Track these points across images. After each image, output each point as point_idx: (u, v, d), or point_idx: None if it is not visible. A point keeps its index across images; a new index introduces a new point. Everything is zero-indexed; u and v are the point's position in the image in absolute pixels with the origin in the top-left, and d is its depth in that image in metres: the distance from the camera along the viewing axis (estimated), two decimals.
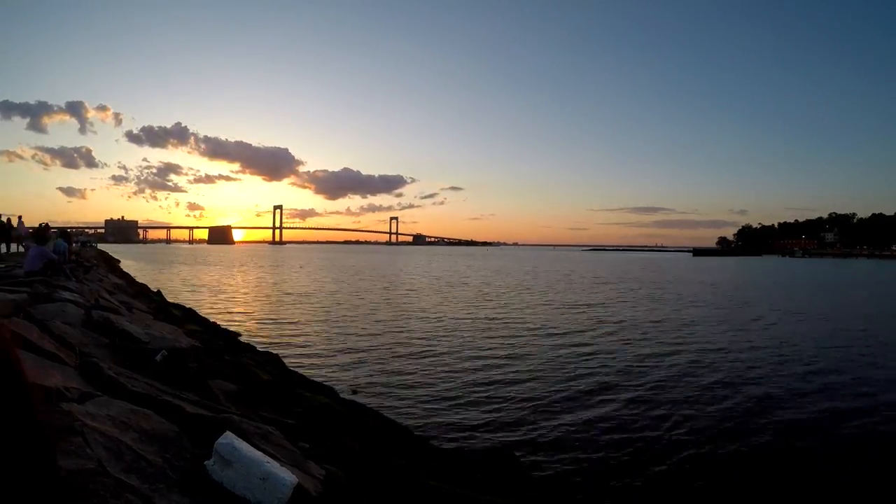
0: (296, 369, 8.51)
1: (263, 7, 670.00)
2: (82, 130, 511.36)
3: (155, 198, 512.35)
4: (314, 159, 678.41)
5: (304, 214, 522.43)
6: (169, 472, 2.18)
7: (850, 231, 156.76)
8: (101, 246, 74.76)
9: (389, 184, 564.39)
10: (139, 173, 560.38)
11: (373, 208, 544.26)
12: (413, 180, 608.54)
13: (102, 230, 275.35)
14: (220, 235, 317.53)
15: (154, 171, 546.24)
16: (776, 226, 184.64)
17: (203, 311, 15.56)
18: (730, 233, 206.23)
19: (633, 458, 5.72)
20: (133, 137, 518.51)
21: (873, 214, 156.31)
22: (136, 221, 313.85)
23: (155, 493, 1.96)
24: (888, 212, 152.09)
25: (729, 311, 19.07)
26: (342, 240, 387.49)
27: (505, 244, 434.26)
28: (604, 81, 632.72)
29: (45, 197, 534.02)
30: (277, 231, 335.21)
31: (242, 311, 17.90)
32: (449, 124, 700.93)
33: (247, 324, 14.69)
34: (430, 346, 11.76)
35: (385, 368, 9.48)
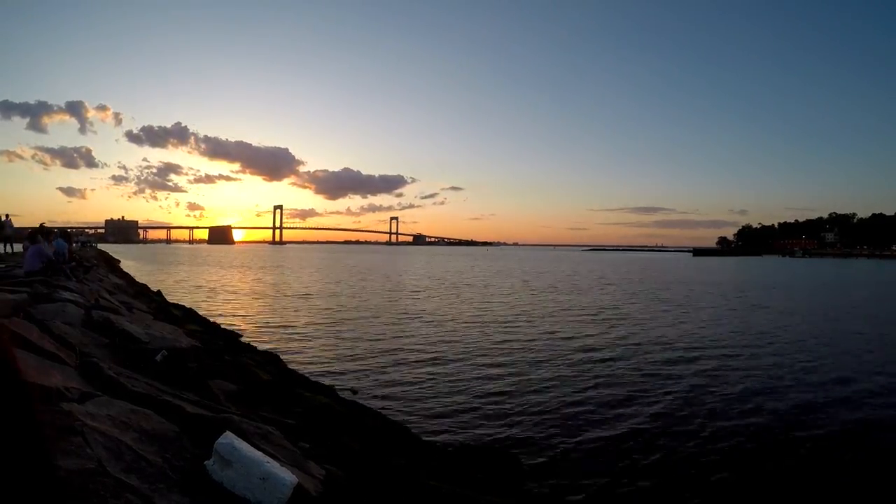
0: (296, 369, 8.51)
1: (263, 7, 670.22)
2: (82, 130, 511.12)
3: (155, 198, 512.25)
4: (314, 159, 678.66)
5: (305, 214, 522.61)
6: (169, 472, 2.18)
7: (851, 231, 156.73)
8: (101, 246, 74.79)
9: (390, 184, 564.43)
10: (139, 173, 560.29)
11: (373, 208, 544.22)
12: (413, 180, 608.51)
13: (102, 230, 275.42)
14: (220, 235, 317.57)
15: (154, 171, 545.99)
16: (776, 226, 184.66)
17: (203, 312, 15.57)
18: (730, 233, 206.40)
19: (635, 458, 5.72)
20: (133, 137, 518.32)
21: (873, 214, 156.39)
22: (136, 221, 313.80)
23: (155, 493, 1.96)
24: (888, 212, 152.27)
25: (734, 313, 18.99)
26: (342, 240, 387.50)
27: (505, 244, 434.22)
28: (604, 81, 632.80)
29: (45, 197, 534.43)
30: (277, 231, 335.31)
31: (242, 311, 17.90)
32: (449, 124, 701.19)
33: (247, 324, 14.69)
34: (430, 346, 11.76)
35: (385, 368, 9.48)
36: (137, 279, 24.99)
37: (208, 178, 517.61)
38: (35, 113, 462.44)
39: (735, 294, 25.95)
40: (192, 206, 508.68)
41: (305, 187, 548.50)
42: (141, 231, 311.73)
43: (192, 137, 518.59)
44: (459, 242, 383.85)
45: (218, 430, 2.48)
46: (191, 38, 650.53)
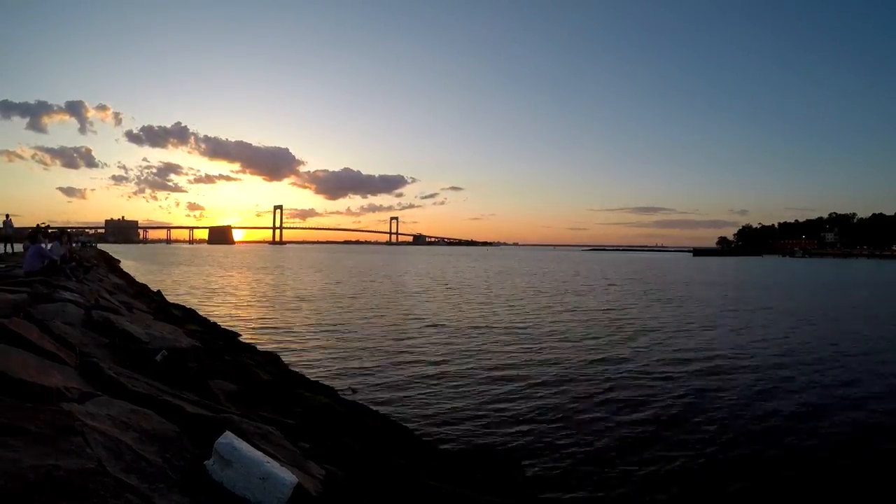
0: (296, 369, 8.51)
1: (263, 7, 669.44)
2: (82, 130, 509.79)
3: (155, 198, 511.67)
4: (314, 159, 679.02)
5: (305, 214, 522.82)
6: (169, 472, 2.18)
7: (851, 231, 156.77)
8: (101, 246, 74.91)
9: (390, 184, 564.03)
10: (139, 173, 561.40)
11: (373, 208, 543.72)
12: (413, 180, 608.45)
13: (102, 230, 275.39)
14: (220, 235, 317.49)
15: (154, 170, 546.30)
16: (776, 226, 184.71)
17: (203, 312, 15.57)
18: (730, 233, 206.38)
19: (637, 460, 5.71)
20: (133, 137, 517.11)
21: (873, 214, 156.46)
22: (137, 221, 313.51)
23: (155, 493, 1.96)
24: (888, 212, 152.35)
25: (741, 314, 18.86)
26: (342, 240, 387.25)
27: (505, 244, 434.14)
28: (604, 81, 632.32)
29: (45, 197, 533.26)
30: (277, 231, 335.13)
31: (242, 311, 17.91)
32: (449, 124, 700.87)
33: (247, 324, 14.69)
34: (431, 346, 11.77)
35: (386, 368, 9.48)
36: (137, 279, 25.00)
37: (208, 178, 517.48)
38: (35, 113, 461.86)
39: (739, 295, 25.86)
40: (192, 206, 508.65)
41: (305, 187, 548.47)
42: (141, 231, 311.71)
43: (192, 137, 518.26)
44: (459, 242, 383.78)
45: (218, 430, 2.48)
46: (191, 38, 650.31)
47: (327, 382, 7.80)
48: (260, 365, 7.20)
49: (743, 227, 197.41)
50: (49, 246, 10.71)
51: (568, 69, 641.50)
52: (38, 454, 1.85)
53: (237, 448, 2.25)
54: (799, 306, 20.92)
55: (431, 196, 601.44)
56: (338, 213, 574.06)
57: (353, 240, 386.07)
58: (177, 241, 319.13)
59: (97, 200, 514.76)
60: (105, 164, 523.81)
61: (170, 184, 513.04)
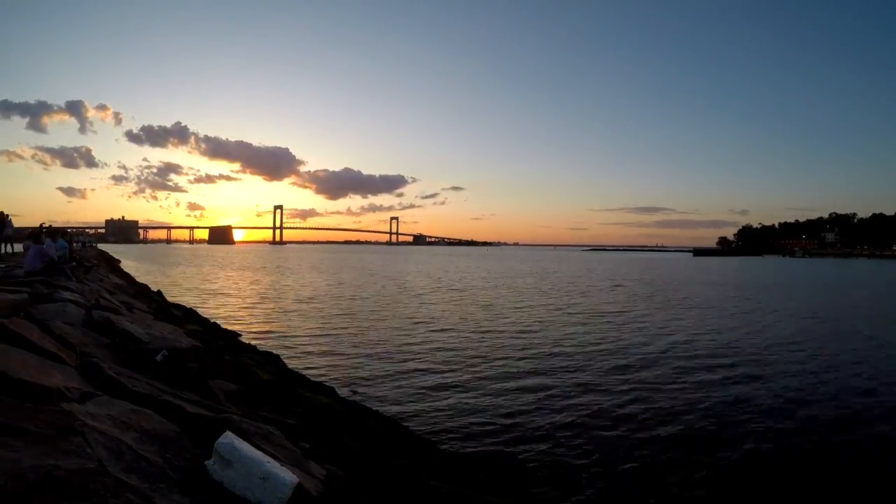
0: (296, 369, 8.51)
1: (263, 7, 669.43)
2: (82, 130, 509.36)
3: (155, 198, 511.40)
4: (315, 159, 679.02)
5: (305, 214, 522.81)
6: (169, 472, 2.18)
7: (851, 231, 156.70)
8: (101, 246, 74.91)
9: (390, 184, 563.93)
10: (139, 173, 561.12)
11: (373, 208, 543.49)
12: (414, 180, 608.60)
13: (103, 230, 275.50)
14: (220, 235, 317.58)
15: (154, 170, 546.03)
16: (776, 226, 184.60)
17: (203, 312, 15.57)
18: (730, 233, 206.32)
19: (637, 462, 5.71)
20: (133, 137, 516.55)
21: (874, 214, 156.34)
22: (137, 221, 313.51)
23: (155, 493, 1.96)
24: (888, 212, 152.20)
25: (748, 316, 18.72)
26: (342, 240, 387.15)
27: (505, 244, 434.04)
28: (604, 81, 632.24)
29: (45, 197, 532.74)
30: (278, 231, 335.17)
31: (243, 311, 17.91)
32: (449, 124, 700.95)
33: (247, 324, 14.70)
34: (432, 346, 11.76)
35: (386, 369, 9.48)
36: (138, 279, 25.01)
37: (208, 178, 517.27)
38: (35, 113, 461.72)
39: (746, 296, 25.56)
40: (193, 206, 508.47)
41: (306, 187, 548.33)
42: (141, 231, 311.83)
43: (193, 137, 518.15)
44: (459, 242, 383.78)
45: (218, 429, 2.48)
46: (191, 38, 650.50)
47: (328, 382, 7.80)
48: (260, 365, 7.20)
49: (743, 227, 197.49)
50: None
51: (568, 69, 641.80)
52: (38, 454, 1.85)
53: (237, 448, 2.25)
54: (811, 308, 20.45)
55: (432, 196, 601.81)
56: (338, 213, 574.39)
57: (354, 240, 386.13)
58: (177, 241, 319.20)
59: (97, 200, 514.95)
60: (105, 163, 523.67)
61: (170, 184, 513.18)
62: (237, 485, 2.17)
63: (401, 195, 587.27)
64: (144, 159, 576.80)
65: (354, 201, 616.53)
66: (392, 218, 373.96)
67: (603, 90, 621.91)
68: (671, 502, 4.83)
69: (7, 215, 19.72)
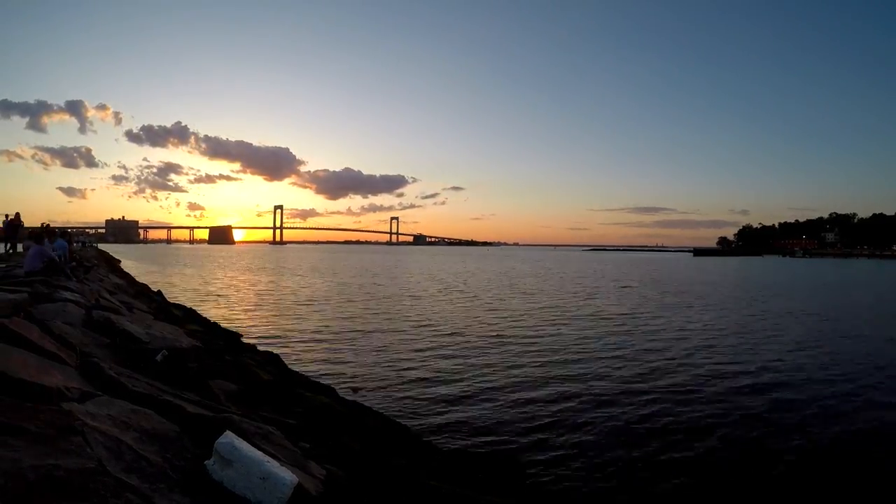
0: (296, 369, 8.51)
1: (263, 7, 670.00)
2: (82, 130, 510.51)
3: (155, 198, 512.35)
4: (315, 159, 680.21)
5: (305, 214, 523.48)
6: (169, 472, 2.18)
7: (851, 231, 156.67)
8: (101, 246, 74.96)
9: (391, 184, 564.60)
10: (139, 173, 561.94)
11: (374, 208, 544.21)
12: (414, 180, 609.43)
13: (103, 230, 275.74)
14: (220, 235, 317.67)
15: (154, 170, 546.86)
16: (777, 226, 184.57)
17: (203, 312, 15.57)
18: (731, 233, 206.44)
19: (638, 463, 5.71)
20: (133, 137, 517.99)
21: (874, 214, 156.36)
22: (137, 221, 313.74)
23: (155, 493, 1.95)
24: (888, 212, 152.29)
25: (753, 317, 18.51)
26: (342, 240, 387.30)
27: (505, 244, 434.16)
28: (604, 81, 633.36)
29: (45, 197, 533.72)
30: (278, 231, 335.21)
31: (243, 311, 17.91)
32: (450, 124, 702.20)
33: (247, 324, 14.69)
34: (433, 347, 11.76)
35: (386, 369, 9.48)
36: (138, 279, 25.00)
37: (209, 178, 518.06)
38: (35, 112, 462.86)
39: (749, 296, 25.46)
40: (193, 206, 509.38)
41: (306, 187, 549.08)
42: (141, 231, 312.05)
43: (193, 137, 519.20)
44: (460, 242, 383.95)
45: (218, 429, 2.48)
46: (191, 38, 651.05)
47: (328, 382, 7.80)
48: (260, 365, 7.20)
49: (743, 227, 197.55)
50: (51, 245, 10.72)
51: (568, 69, 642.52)
52: (38, 454, 1.85)
53: (237, 448, 2.25)
54: (825, 310, 20.01)
55: (432, 196, 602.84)
56: (338, 213, 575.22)
57: (354, 240, 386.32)
58: (177, 241, 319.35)
59: (97, 200, 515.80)
60: (105, 163, 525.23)
61: (170, 184, 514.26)
62: (237, 484, 2.17)
63: (401, 195, 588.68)
64: (144, 159, 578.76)
65: (354, 201, 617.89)
66: (392, 218, 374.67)
67: (603, 90, 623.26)
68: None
69: (7, 216, 19.72)
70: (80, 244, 44.12)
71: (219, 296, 22.95)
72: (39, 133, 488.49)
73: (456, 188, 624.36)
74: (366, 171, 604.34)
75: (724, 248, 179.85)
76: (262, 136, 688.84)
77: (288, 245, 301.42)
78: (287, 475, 2.27)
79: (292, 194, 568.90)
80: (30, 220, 20.02)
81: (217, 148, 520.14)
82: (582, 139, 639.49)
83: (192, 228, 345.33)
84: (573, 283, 33.39)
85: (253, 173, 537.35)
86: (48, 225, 22.43)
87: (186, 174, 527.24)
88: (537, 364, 10.09)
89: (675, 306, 20.38)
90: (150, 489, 1.96)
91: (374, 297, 22.86)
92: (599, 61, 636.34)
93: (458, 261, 76.01)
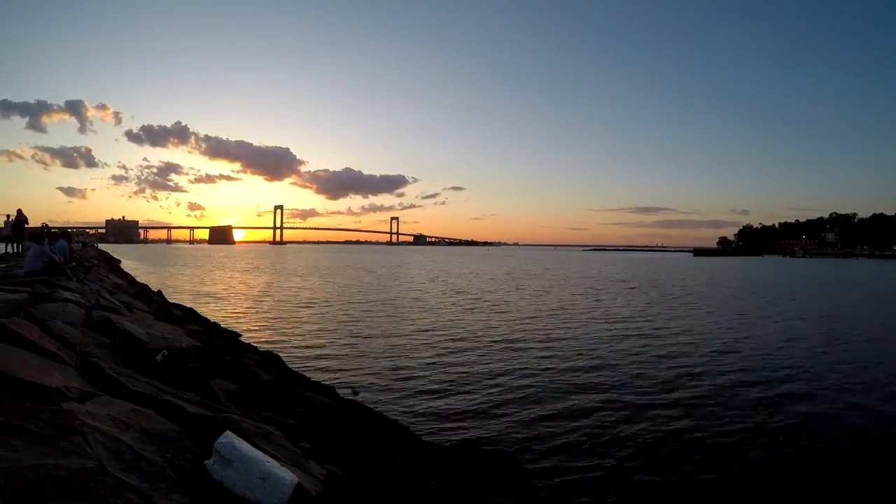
0: (296, 369, 8.51)
1: (264, 7, 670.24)
2: (82, 130, 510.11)
3: (155, 198, 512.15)
4: (315, 159, 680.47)
5: (305, 214, 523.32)
6: (169, 472, 2.18)
7: (851, 231, 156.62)
8: (101, 246, 74.94)
9: (391, 184, 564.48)
10: (139, 173, 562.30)
11: (374, 208, 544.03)
12: (415, 180, 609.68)
13: (103, 230, 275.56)
14: (220, 235, 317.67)
15: (154, 170, 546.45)
16: (777, 226, 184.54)
17: (203, 312, 15.57)
18: (731, 233, 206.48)
19: (639, 463, 5.71)
20: (133, 137, 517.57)
21: (874, 214, 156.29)
22: (137, 221, 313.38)
23: (155, 493, 1.96)
24: (889, 212, 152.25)
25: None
26: (343, 240, 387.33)
27: (506, 244, 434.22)
28: (604, 81, 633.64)
29: (45, 197, 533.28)
30: (278, 231, 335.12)
31: (243, 311, 17.91)
32: (450, 124, 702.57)
33: (247, 324, 14.70)
34: (433, 347, 11.76)
35: (386, 369, 9.48)
36: (138, 279, 25.00)
37: (209, 178, 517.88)
38: (35, 112, 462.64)
39: (755, 298, 25.37)
40: (193, 206, 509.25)
41: (306, 187, 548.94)
42: (141, 231, 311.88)
43: (193, 137, 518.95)
44: (460, 242, 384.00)
45: (218, 429, 2.48)
46: (191, 38, 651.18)
47: (328, 382, 7.80)
48: (260, 365, 7.20)
49: (743, 227, 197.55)
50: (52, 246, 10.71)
51: (568, 69, 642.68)
52: (38, 454, 1.86)
53: (237, 448, 2.25)
54: (833, 311, 19.98)
55: (433, 196, 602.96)
56: (339, 213, 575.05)
57: (354, 240, 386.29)
58: (177, 241, 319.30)
59: (97, 200, 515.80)
60: (105, 163, 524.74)
61: (170, 184, 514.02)
62: (237, 484, 2.17)
63: (401, 195, 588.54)
64: (144, 159, 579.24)
65: (355, 201, 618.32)
66: (392, 218, 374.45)
67: (603, 90, 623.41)
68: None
69: (7, 216, 19.69)
70: (80, 244, 44.12)
71: (219, 296, 22.95)
72: (39, 133, 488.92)
73: (456, 188, 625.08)
74: (366, 171, 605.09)
75: (725, 248, 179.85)
76: (263, 136, 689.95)
77: (288, 245, 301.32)
78: (287, 475, 2.27)
79: (292, 194, 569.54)
80: (30, 220, 19.95)
81: (217, 148, 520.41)
82: (582, 139, 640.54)
83: (192, 228, 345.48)
84: (577, 283, 33.38)
85: (253, 173, 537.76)
86: (48, 226, 22.44)
87: (186, 174, 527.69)
88: (537, 364, 10.08)
89: (679, 308, 20.37)
90: (150, 489, 1.96)
91: (374, 297, 22.86)
92: (599, 61, 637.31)
93: (460, 261, 75.98)
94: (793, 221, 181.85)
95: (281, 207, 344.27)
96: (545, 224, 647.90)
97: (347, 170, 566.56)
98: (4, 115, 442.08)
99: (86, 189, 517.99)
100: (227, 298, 21.92)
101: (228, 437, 2.30)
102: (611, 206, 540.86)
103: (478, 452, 5.37)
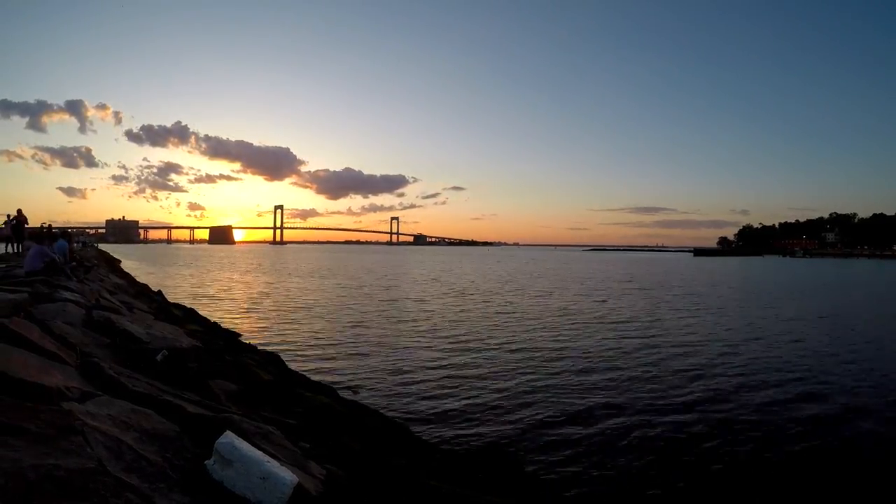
0: (296, 369, 8.51)
1: (263, 7, 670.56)
2: (82, 130, 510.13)
3: (156, 198, 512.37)
4: (316, 159, 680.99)
5: (306, 214, 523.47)
6: (169, 472, 2.18)
7: (851, 231, 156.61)
8: (101, 246, 74.93)
9: (391, 184, 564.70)
10: (139, 173, 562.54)
11: (374, 208, 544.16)
12: (415, 180, 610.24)
13: (103, 230, 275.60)
14: (220, 235, 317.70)
15: (154, 170, 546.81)
16: (777, 226, 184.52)
17: (203, 312, 15.57)
18: (731, 233, 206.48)
19: (639, 463, 5.71)
20: (133, 136, 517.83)
21: (874, 214, 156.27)
22: (137, 221, 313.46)
23: (155, 493, 1.95)
24: (889, 212, 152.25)
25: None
26: (343, 240, 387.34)
27: (506, 244, 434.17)
28: (604, 81, 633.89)
29: (45, 197, 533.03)
30: (278, 231, 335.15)
31: (243, 311, 17.91)
32: (450, 124, 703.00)
33: (247, 324, 14.70)
34: (433, 347, 11.76)
35: (387, 369, 9.48)
36: (138, 279, 25.01)
37: (209, 178, 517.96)
38: (34, 112, 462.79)
39: (751, 296, 25.56)
40: (193, 206, 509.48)
41: (306, 187, 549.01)
42: (142, 231, 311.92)
43: (193, 137, 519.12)
44: (460, 242, 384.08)
45: (218, 429, 2.48)
46: (191, 37, 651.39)
47: (328, 382, 7.81)
48: (261, 365, 7.20)
49: (743, 227, 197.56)
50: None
51: (568, 69, 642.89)
52: (38, 454, 1.85)
53: (237, 448, 2.25)
54: (836, 310, 19.99)
55: (433, 196, 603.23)
56: (339, 213, 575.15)
57: (354, 240, 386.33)
58: (177, 241, 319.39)
59: (97, 200, 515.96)
60: (105, 163, 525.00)
61: (170, 183, 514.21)
62: (237, 484, 2.17)
63: (401, 195, 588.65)
64: (144, 159, 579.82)
65: (355, 201, 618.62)
66: (392, 218, 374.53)
67: (603, 90, 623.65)
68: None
69: (8, 216, 19.66)
70: (80, 244, 44.11)
71: (219, 296, 22.95)
72: (39, 133, 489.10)
73: (456, 188, 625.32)
74: (366, 171, 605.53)
75: (725, 248, 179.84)
76: (263, 136, 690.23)
77: (288, 245, 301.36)
78: (287, 475, 2.26)
79: (292, 194, 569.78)
80: (30, 220, 19.94)
81: (217, 148, 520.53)
82: (582, 139, 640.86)
83: (192, 228, 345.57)
84: (578, 283, 33.37)
85: (253, 173, 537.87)
86: (48, 226, 22.43)
87: (186, 174, 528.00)
88: (538, 364, 10.08)
89: (680, 308, 20.36)
90: (150, 489, 1.96)
91: (375, 297, 22.86)
92: (599, 61, 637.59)
93: (460, 261, 75.97)
94: (793, 221, 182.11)
95: (281, 207, 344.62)
96: (545, 224, 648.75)
97: (347, 170, 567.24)
98: (4, 115, 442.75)
99: (86, 189, 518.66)
100: (227, 298, 21.91)
101: (228, 437, 2.30)
102: (611, 206, 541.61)
103: (478, 452, 5.38)
